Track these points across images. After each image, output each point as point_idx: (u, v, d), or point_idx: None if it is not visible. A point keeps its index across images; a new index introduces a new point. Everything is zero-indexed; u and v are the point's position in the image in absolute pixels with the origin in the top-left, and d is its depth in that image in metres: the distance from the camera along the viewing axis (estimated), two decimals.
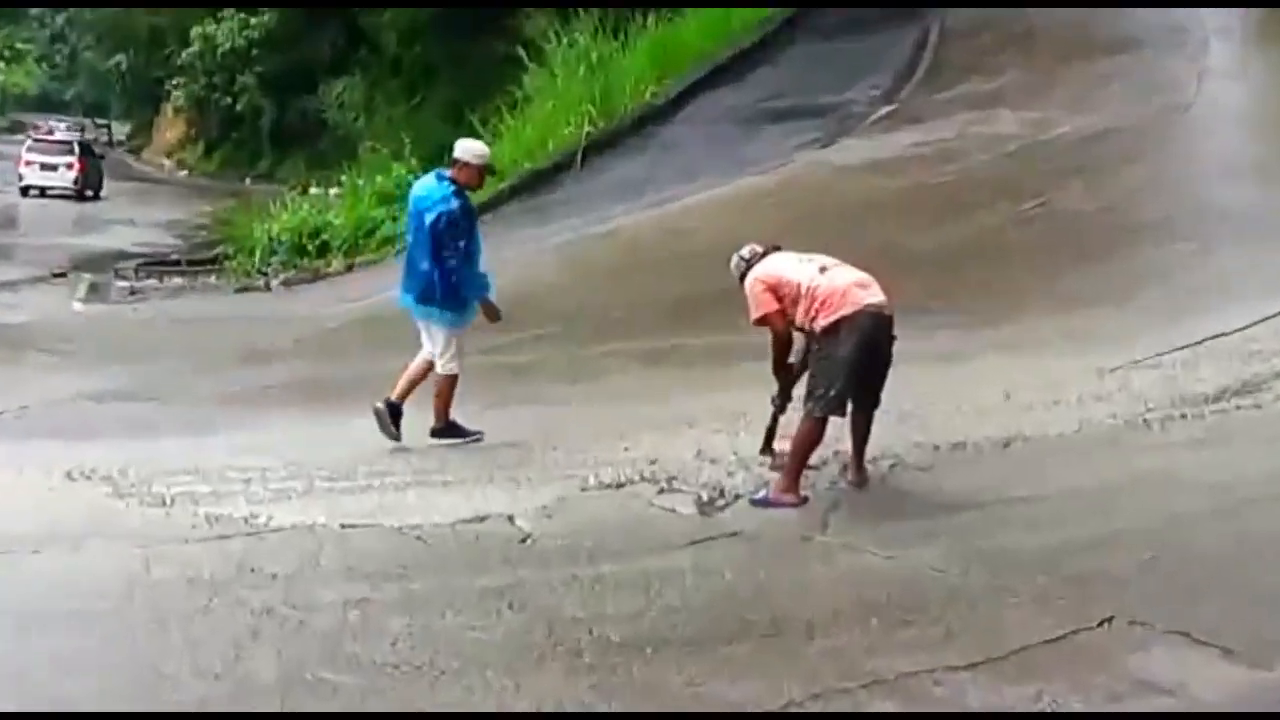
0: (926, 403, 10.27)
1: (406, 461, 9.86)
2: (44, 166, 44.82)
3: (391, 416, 10.51)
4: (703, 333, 13.12)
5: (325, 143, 40.67)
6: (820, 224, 16.10)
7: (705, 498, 8.64)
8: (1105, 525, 7.66)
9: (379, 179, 24.91)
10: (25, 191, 43.83)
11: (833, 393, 8.31)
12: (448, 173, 10.51)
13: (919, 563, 7.24)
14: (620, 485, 9.00)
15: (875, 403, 8.64)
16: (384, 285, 18.59)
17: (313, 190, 28.44)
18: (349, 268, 22.71)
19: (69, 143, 49.59)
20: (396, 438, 10.48)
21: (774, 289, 8.57)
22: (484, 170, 10.66)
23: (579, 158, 23.12)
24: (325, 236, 23.66)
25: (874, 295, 8.43)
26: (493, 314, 10.67)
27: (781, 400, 9.10)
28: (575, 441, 10.17)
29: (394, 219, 23.20)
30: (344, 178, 26.38)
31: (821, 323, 8.37)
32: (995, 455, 9.17)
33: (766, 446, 9.19)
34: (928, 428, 9.75)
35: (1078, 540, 7.43)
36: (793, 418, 8.83)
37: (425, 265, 10.38)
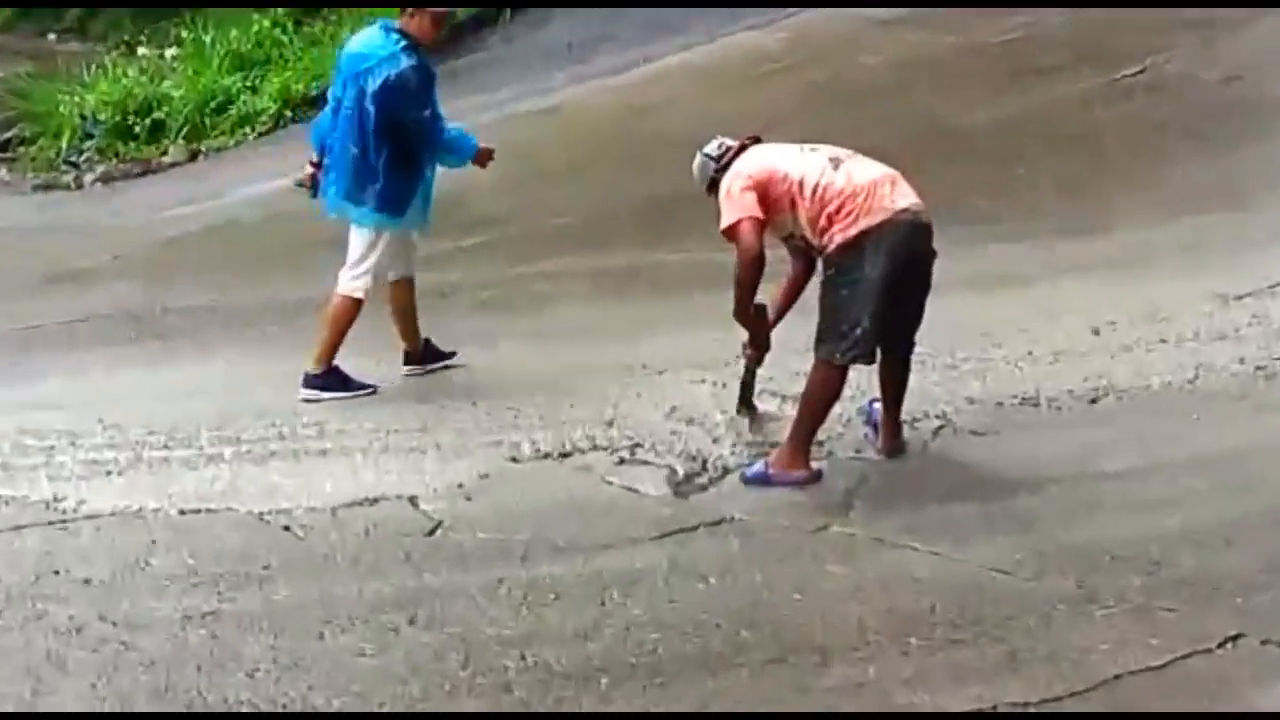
0: (984, 343, 10.28)
1: (270, 424, 9.79)
2: None
3: (428, 358, 10.93)
4: (680, 246, 13.05)
5: None
6: (840, 97, 16.06)
7: (682, 472, 8.64)
8: (1230, 510, 7.66)
9: (233, 34, 24.68)
10: None
11: (858, 331, 8.22)
12: (395, 24, 10.51)
13: (975, 561, 7.26)
14: (565, 455, 8.99)
15: (910, 344, 8.64)
16: (240, 180, 18.61)
17: (141, 51, 28.16)
18: (192, 156, 22.40)
19: None
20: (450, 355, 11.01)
21: (761, 187, 8.41)
22: (442, 20, 10.74)
23: (508, 7, 22.96)
24: (159, 114, 23.38)
25: (907, 196, 8.34)
26: (486, 156, 10.87)
27: (756, 350, 9.07)
28: (503, 395, 10.15)
29: (254, 89, 22.99)
30: (184, 33, 26.09)
31: (839, 236, 8.26)
32: (1079, 414, 9.16)
33: (744, 405, 9.21)
34: (986, 377, 9.76)
35: (1192, 531, 7.42)
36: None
37: (356, 148, 10.45)
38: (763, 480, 8.41)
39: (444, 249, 13.80)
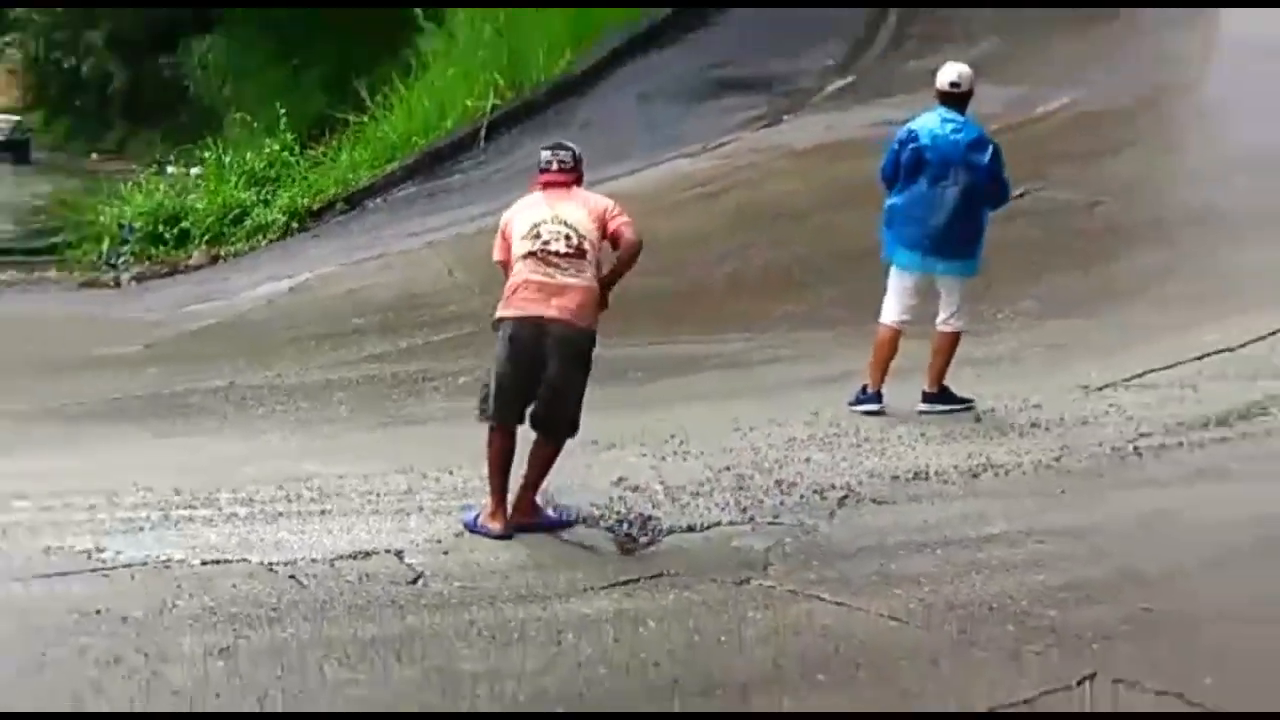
0: (883, 426, 10.40)
1: (278, 489, 9.67)
2: None
3: (942, 399, 10.82)
4: (626, 339, 13.00)
5: (185, 114, 40.21)
6: (759, 219, 16.08)
7: (627, 533, 8.68)
8: (1089, 570, 7.78)
9: (249, 156, 24.78)
10: None
11: None
12: (950, 109, 10.76)
13: (874, 611, 7.33)
14: None
15: None
16: (252, 281, 18.62)
17: (171, 169, 28.28)
18: (213, 260, 22.50)
19: None
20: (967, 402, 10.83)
21: None
22: None
23: (482, 134, 23.07)
24: (185, 223, 23.45)
25: None
26: None
27: None
28: (472, 466, 9.77)
29: (266, 203, 23.14)
30: (207, 154, 26.14)
31: None
32: (962, 487, 9.25)
33: None
34: (884, 454, 9.86)
35: (1058, 587, 7.51)
36: None
37: (967, 215, 10.73)
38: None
39: (416, 343, 14.18)
